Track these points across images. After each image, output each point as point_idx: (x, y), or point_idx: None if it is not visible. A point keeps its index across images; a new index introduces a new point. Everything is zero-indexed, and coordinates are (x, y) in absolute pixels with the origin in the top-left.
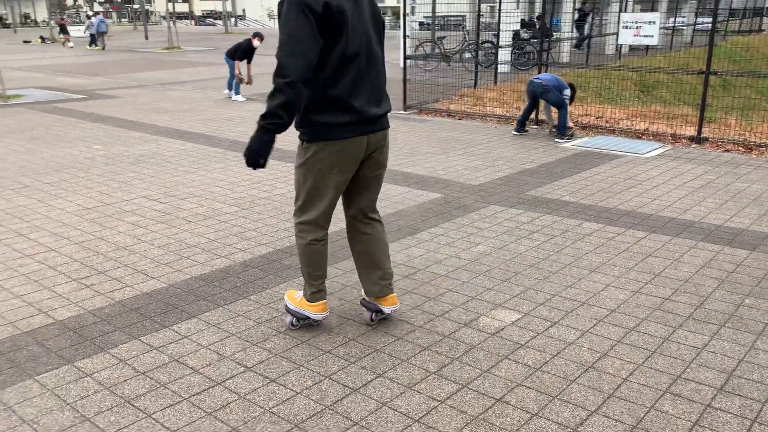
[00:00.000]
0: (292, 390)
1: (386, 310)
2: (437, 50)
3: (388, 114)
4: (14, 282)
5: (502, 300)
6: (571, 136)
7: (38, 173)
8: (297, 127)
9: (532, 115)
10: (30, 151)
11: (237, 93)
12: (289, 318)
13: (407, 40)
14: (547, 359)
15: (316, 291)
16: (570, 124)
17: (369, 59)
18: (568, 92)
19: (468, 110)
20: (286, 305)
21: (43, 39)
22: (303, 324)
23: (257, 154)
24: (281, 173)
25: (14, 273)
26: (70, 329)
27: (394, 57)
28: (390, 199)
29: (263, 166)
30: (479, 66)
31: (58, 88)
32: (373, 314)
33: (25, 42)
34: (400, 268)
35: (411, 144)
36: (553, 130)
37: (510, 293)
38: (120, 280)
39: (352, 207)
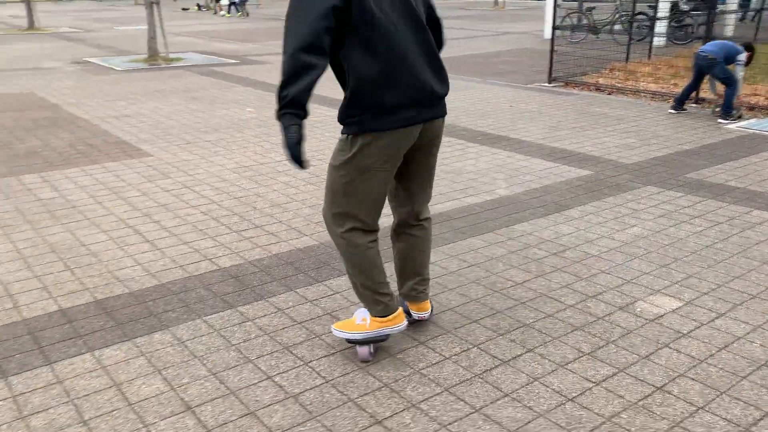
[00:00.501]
0: (440, 354)
1: (414, 315)
2: (585, 21)
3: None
4: (183, 229)
5: (661, 286)
6: (739, 117)
7: (199, 131)
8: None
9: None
10: (191, 111)
11: None
12: (364, 350)
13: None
14: (713, 352)
15: (389, 299)
16: (737, 102)
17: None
18: (742, 56)
19: (619, 85)
20: (350, 339)
21: (199, 6)
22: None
23: None
24: None
25: (182, 221)
26: (232, 276)
27: (538, 28)
28: (534, 173)
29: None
30: (631, 39)
31: (213, 53)
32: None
33: (183, 9)
34: (546, 244)
35: (557, 117)
36: (717, 110)
37: (670, 279)
38: (276, 234)
39: (404, 208)
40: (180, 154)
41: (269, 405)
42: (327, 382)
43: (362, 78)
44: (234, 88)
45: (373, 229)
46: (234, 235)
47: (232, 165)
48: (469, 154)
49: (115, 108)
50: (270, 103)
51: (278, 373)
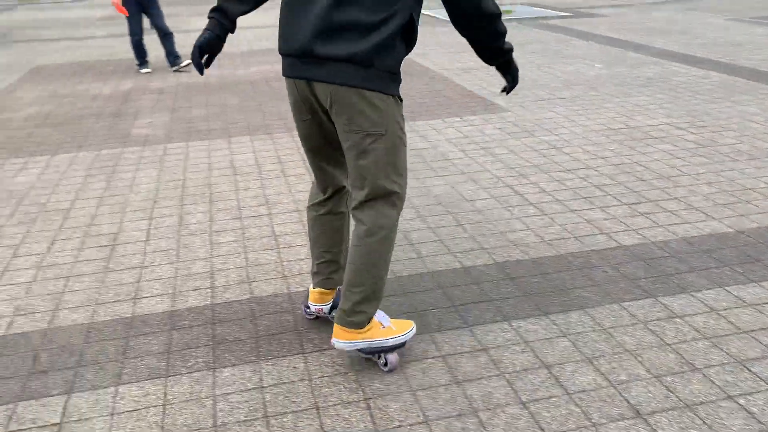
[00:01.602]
0: None
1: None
2: None
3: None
4: (565, 195)
5: None
6: None
7: (551, 88)
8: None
9: None
10: (536, 66)
11: None
12: (390, 359)
13: None
14: None
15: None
16: None
17: None
18: None
19: None
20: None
21: None
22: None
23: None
24: None
25: (561, 186)
26: (638, 258)
27: None
28: None
29: None
30: None
31: (542, 5)
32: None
33: None
34: None
35: None
36: None
37: None
38: (675, 213)
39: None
40: (538, 111)
41: None
42: None
43: None
44: (572, 42)
45: (320, 193)
46: (625, 207)
47: (597, 126)
48: None
49: (460, 60)
50: (616, 58)
51: (740, 394)
